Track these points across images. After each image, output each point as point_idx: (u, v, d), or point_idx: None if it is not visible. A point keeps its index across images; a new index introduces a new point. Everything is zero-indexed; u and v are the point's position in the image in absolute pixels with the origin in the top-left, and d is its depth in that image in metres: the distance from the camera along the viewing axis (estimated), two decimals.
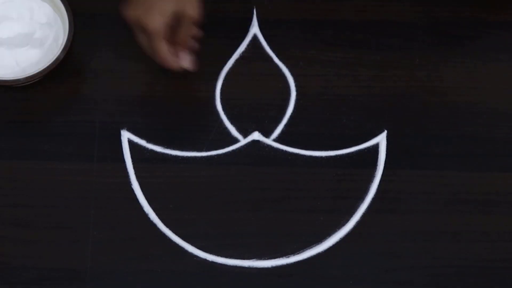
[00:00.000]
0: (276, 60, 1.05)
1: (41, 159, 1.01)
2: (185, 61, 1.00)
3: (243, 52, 1.05)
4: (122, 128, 1.02)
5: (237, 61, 1.05)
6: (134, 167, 1.01)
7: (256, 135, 1.02)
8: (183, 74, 1.02)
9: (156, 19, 0.94)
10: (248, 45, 1.06)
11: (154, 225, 0.99)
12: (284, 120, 1.03)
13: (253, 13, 1.07)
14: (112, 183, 1.00)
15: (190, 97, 1.04)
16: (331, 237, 0.98)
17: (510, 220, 1.00)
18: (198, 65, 1.01)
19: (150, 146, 1.02)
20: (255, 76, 1.05)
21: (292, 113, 1.04)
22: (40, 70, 1.00)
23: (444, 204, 1.00)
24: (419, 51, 1.06)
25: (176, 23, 0.97)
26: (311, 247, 0.98)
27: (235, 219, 0.99)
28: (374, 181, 1.00)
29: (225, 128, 1.03)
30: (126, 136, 1.02)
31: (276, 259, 0.98)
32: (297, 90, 1.04)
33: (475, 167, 1.01)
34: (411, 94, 1.04)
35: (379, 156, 1.02)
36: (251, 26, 1.06)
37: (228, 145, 1.02)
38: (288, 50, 1.05)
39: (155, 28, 0.95)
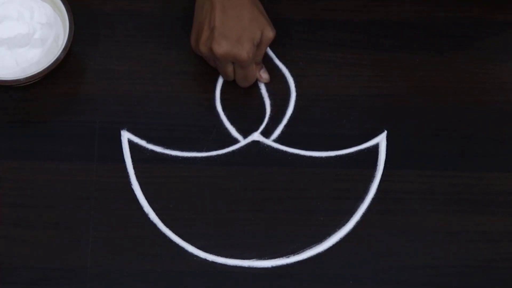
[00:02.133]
0: (276, 60, 1.05)
1: (41, 159, 1.01)
2: (264, 76, 1.03)
3: None
4: (122, 128, 1.02)
5: None
6: (134, 167, 1.01)
7: (256, 136, 1.02)
8: (184, 73, 1.02)
9: (247, 49, 0.97)
10: None
11: (154, 225, 0.99)
12: (284, 121, 1.03)
13: None
14: (112, 183, 1.00)
15: (190, 97, 1.04)
16: (331, 237, 0.98)
17: (510, 220, 1.00)
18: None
19: (150, 146, 1.02)
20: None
21: (292, 114, 1.04)
22: (40, 70, 1.00)
23: (444, 204, 1.00)
24: (419, 51, 1.06)
25: None
26: (311, 247, 0.98)
27: (235, 219, 0.99)
28: (374, 181, 1.00)
29: (225, 129, 1.03)
30: (126, 136, 1.02)
31: (276, 259, 0.98)
32: (297, 91, 1.04)
33: (475, 167, 1.01)
34: (411, 94, 1.04)
35: (379, 156, 1.02)
36: None
37: (228, 145, 1.02)
38: (288, 50, 1.05)
39: (248, 57, 0.98)
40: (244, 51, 0.97)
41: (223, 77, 1.03)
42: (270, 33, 0.99)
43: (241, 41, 0.97)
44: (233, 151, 1.02)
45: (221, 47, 0.97)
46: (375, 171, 1.01)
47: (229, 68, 1.00)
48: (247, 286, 0.97)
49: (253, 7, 0.99)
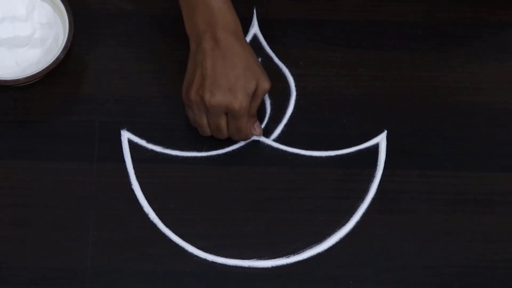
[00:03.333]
0: (276, 60, 1.05)
1: (41, 159, 1.01)
2: (258, 130, 1.00)
3: None
4: (122, 128, 1.02)
5: None
6: (134, 167, 1.01)
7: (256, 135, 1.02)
8: (184, 73, 1.02)
9: (241, 99, 0.94)
10: None
11: (154, 225, 0.99)
12: (284, 120, 1.03)
13: (253, 13, 1.07)
14: (112, 183, 1.00)
15: None
16: (331, 237, 0.98)
17: (510, 220, 1.00)
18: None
19: (150, 146, 1.02)
20: None
21: (292, 113, 1.04)
22: (40, 70, 1.00)
23: (444, 204, 1.00)
24: (419, 51, 1.06)
25: None
26: (311, 247, 0.98)
27: (235, 219, 0.99)
28: (374, 181, 1.00)
29: None
30: (126, 136, 1.02)
31: (276, 259, 0.98)
32: (297, 90, 1.04)
33: (475, 167, 1.01)
34: (411, 94, 1.04)
35: (379, 156, 1.02)
36: (251, 26, 1.06)
37: (228, 145, 1.02)
38: (288, 50, 1.05)
39: (241, 107, 0.94)
40: (237, 101, 0.93)
41: (215, 133, 0.98)
42: (265, 84, 0.96)
43: (234, 90, 0.93)
44: (233, 151, 1.02)
45: (213, 96, 0.93)
46: (375, 171, 1.01)
47: (222, 121, 0.96)
48: (247, 286, 0.97)
49: (247, 56, 0.95)
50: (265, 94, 0.97)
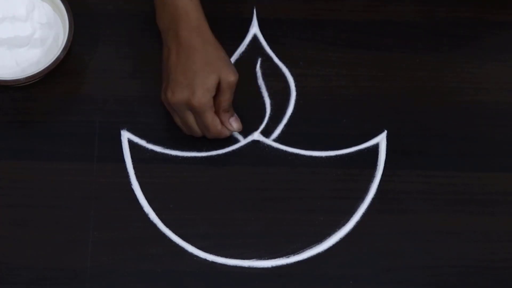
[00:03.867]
0: (276, 60, 1.05)
1: (41, 159, 1.01)
2: (234, 125, 0.99)
3: (243, 52, 1.05)
4: (122, 128, 1.02)
5: (237, 61, 1.05)
6: (134, 167, 1.01)
7: (256, 135, 1.02)
8: None
9: (199, 95, 0.94)
10: (248, 45, 1.06)
11: (154, 225, 0.99)
12: (284, 120, 1.03)
13: (253, 13, 1.07)
14: (112, 183, 1.00)
15: None
16: (331, 237, 0.98)
17: (510, 220, 1.00)
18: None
19: (150, 146, 1.02)
20: (255, 76, 1.05)
21: (292, 113, 1.04)
22: (40, 70, 1.00)
23: (444, 204, 1.00)
24: (419, 51, 1.06)
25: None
26: (311, 247, 0.98)
27: (235, 219, 0.99)
28: (374, 181, 1.00)
29: None
30: (126, 136, 1.02)
31: (276, 259, 0.98)
32: (297, 90, 1.04)
33: (475, 167, 1.01)
34: (411, 94, 1.04)
35: (379, 156, 1.02)
36: (251, 26, 1.06)
37: (228, 145, 1.02)
38: (288, 50, 1.05)
39: (200, 104, 0.94)
40: (195, 97, 0.93)
41: (186, 130, 0.99)
42: (229, 77, 0.95)
43: (191, 86, 0.94)
44: (233, 151, 1.02)
45: (173, 94, 0.94)
46: (375, 171, 1.01)
47: (189, 118, 0.96)
48: (247, 286, 0.97)
49: (208, 52, 0.95)
50: (232, 87, 0.96)
